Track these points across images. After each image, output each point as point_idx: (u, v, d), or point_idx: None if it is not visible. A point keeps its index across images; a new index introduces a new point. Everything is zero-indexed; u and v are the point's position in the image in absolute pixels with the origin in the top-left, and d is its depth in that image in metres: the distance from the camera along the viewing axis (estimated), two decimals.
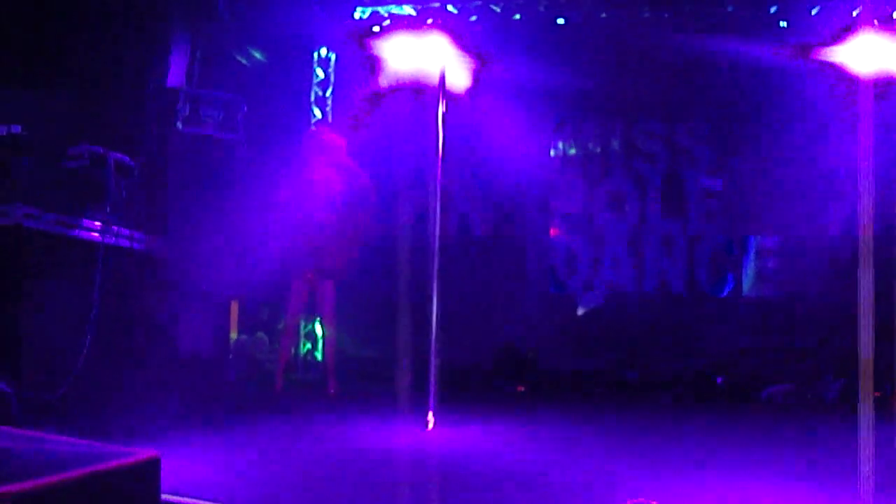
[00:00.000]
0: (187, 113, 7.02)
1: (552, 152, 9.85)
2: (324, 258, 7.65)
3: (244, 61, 8.97)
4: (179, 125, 6.99)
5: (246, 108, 7.39)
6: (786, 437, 6.22)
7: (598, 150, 9.82)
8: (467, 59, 8.36)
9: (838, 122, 8.22)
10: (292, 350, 8.38)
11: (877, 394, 7.35)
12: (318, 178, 7.65)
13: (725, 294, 9.55)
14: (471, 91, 8.54)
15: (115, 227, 5.80)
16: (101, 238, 5.65)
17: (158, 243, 6.41)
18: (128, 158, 5.88)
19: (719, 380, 8.68)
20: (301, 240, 7.61)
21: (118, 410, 5.77)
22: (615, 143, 9.82)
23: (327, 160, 7.69)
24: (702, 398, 8.33)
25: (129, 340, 6.11)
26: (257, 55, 9.11)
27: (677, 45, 8.96)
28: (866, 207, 3.44)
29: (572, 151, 9.85)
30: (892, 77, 7.06)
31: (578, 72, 9.15)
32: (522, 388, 8.69)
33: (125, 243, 5.98)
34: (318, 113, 9.63)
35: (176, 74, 7.26)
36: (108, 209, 5.68)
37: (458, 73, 8.22)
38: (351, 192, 7.65)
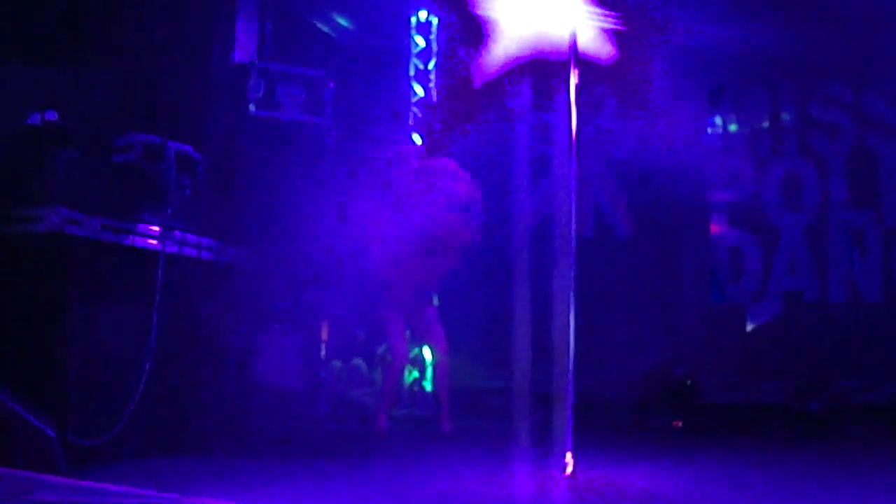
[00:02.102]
0: (261, 93, 7.02)
1: (709, 129, 9.65)
2: (423, 278, 7.61)
3: (327, 30, 8.95)
4: (252, 108, 6.97)
5: (333, 86, 7.33)
6: None
7: (766, 123, 9.61)
8: (602, 18, 8.19)
9: None
10: (398, 381, 8.32)
11: None
12: (415, 191, 7.64)
13: None
14: (606, 59, 8.37)
15: (177, 233, 5.80)
16: (160, 246, 5.63)
17: (231, 252, 6.40)
18: (191, 149, 5.89)
19: None
20: (396, 255, 7.58)
21: (183, 454, 5.75)
22: (787, 115, 9.59)
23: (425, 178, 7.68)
24: None
25: (197, 370, 6.10)
26: (343, 22, 9.08)
27: None
28: None
29: (734, 127, 9.65)
30: None
31: (738, 26, 8.96)
32: (679, 424, 8.50)
33: (190, 252, 5.97)
34: (419, 90, 9.57)
35: (245, 47, 7.23)
36: (168, 211, 5.66)
37: (591, 37, 8.05)
38: (456, 203, 7.60)
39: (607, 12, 7.67)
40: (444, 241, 7.59)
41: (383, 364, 8.16)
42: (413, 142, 8.93)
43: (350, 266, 7.89)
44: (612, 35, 8.39)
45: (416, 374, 9.44)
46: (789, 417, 8.48)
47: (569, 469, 5.62)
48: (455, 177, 7.68)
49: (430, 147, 9.26)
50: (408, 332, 8.02)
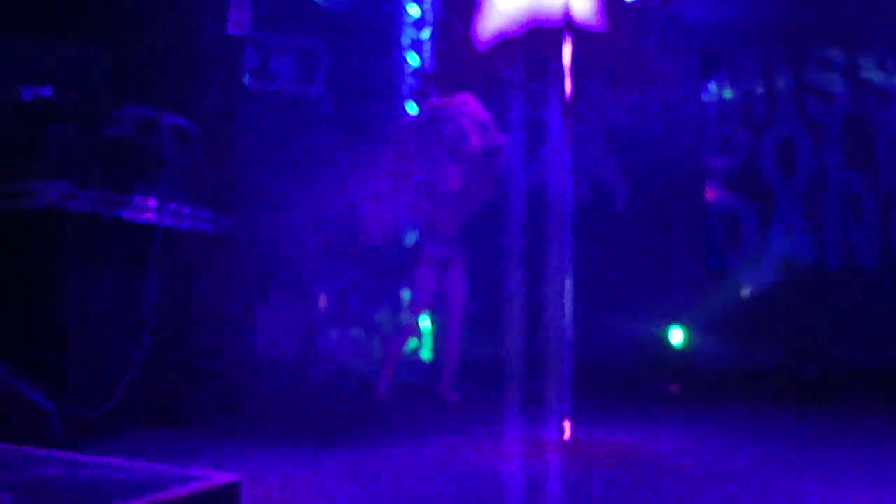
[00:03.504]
0: (255, 65, 7.00)
1: (703, 96, 9.61)
2: (453, 235, 7.51)
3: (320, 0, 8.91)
4: (246, 80, 6.95)
5: (327, 57, 7.30)
6: None
7: (761, 89, 9.53)
8: None
9: None
10: (402, 348, 8.22)
11: None
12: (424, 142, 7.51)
13: None
14: (600, 27, 8.35)
15: (172, 205, 5.79)
16: (155, 219, 5.62)
17: (227, 223, 6.39)
18: (185, 122, 5.86)
19: None
20: (423, 214, 7.48)
21: (182, 426, 5.76)
22: (782, 80, 9.50)
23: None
24: None
25: (195, 341, 6.10)
26: None
27: None
28: None
29: (728, 93, 9.59)
30: None
31: None
32: (675, 389, 8.51)
33: (186, 224, 5.97)
34: (413, 60, 9.52)
35: (238, 19, 7.19)
36: (163, 184, 5.65)
37: (585, 5, 8.04)
38: (466, 150, 7.47)
39: None
40: (459, 194, 7.48)
41: (394, 332, 8.09)
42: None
43: (348, 235, 7.86)
44: (606, 3, 8.38)
45: (415, 342, 9.43)
46: (783, 383, 8.53)
47: (566, 434, 5.65)
48: (469, 121, 7.53)
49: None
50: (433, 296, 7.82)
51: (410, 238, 8.28)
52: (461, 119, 7.42)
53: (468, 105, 7.47)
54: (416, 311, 7.72)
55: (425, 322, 9.29)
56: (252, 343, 6.92)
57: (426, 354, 9.35)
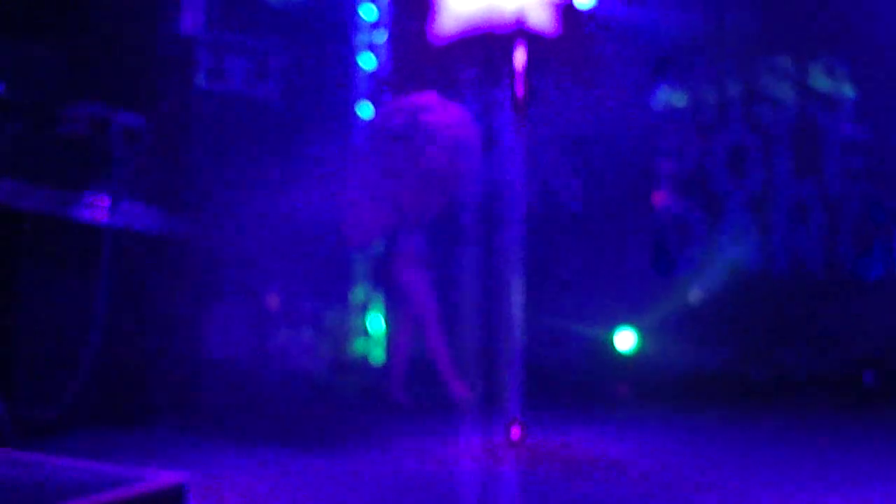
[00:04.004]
0: (209, 65, 6.96)
1: (654, 101, 9.63)
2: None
3: (275, 0, 8.87)
4: (200, 80, 6.92)
5: (282, 58, 7.29)
6: None
7: (711, 95, 9.55)
8: None
9: None
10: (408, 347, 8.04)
11: None
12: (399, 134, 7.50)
13: (876, 273, 9.27)
14: (553, 32, 8.38)
15: (124, 205, 5.76)
16: (107, 218, 5.60)
17: (179, 223, 6.37)
18: (138, 121, 5.83)
19: (868, 378, 8.46)
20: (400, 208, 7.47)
21: (133, 427, 5.75)
22: (732, 87, 9.54)
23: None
24: (846, 401, 8.15)
25: (146, 341, 6.09)
26: None
27: None
28: None
29: (679, 99, 9.63)
30: None
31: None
32: (624, 391, 8.54)
33: (138, 224, 5.94)
34: (368, 62, 9.50)
35: (192, 18, 7.17)
36: (115, 183, 5.64)
37: (539, 10, 8.06)
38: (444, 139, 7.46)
39: None
40: (436, 182, 7.47)
41: (395, 334, 7.97)
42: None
43: (305, 231, 7.84)
44: (560, 8, 8.42)
45: (364, 344, 9.40)
46: (732, 385, 8.56)
47: (516, 437, 5.67)
48: (441, 111, 7.53)
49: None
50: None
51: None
52: (433, 108, 7.48)
53: (435, 98, 7.53)
54: (410, 310, 7.68)
55: (377, 323, 9.28)
56: (203, 343, 6.89)
57: (378, 356, 9.32)
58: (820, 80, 9.42)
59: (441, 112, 7.51)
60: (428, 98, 7.65)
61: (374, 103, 9.43)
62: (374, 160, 7.65)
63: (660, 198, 9.65)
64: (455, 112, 7.56)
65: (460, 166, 7.55)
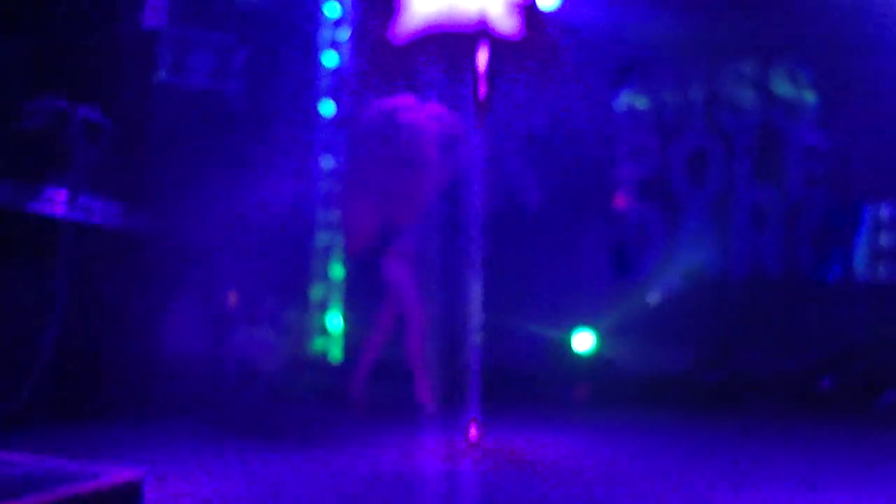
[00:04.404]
0: (171, 60, 6.94)
1: (616, 105, 9.67)
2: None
3: None
4: (162, 75, 6.90)
5: (245, 54, 7.28)
6: None
7: (674, 100, 9.63)
8: None
9: None
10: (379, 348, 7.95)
11: None
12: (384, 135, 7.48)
13: (834, 277, 9.35)
14: (516, 33, 8.40)
15: (83, 200, 5.75)
16: (66, 212, 5.58)
17: (138, 219, 6.35)
18: (100, 116, 5.81)
19: (826, 382, 8.52)
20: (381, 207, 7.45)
21: (90, 423, 5.73)
22: (694, 92, 9.62)
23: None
24: (803, 405, 8.24)
25: (102, 338, 6.07)
26: None
27: None
28: None
29: (641, 103, 9.68)
30: None
31: (648, 4, 9.07)
32: (583, 394, 8.59)
33: (97, 219, 5.93)
34: (332, 58, 9.51)
35: (154, 12, 7.14)
36: (75, 178, 5.62)
37: (502, 11, 8.08)
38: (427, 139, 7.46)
39: None
40: (425, 179, 7.46)
41: (372, 332, 7.92)
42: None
43: (266, 229, 7.83)
44: (523, 10, 8.45)
45: (323, 342, 9.40)
46: (690, 388, 8.62)
47: (474, 438, 5.69)
48: (423, 110, 7.54)
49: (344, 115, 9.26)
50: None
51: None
52: (414, 108, 7.49)
53: (421, 104, 7.54)
54: (393, 309, 7.63)
55: (336, 321, 9.29)
56: (161, 339, 6.88)
57: (336, 355, 9.33)
58: (782, 86, 9.48)
59: (423, 111, 7.52)
60: (407, 98, 7.66)
61: (336, 100, 9.45)
62: (362, 164, 7.64)
63: (620, 201, 9.69)
64: (436, 111, 7.57)
65: (445, 163, 7.55)
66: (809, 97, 9.38)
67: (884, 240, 9.29)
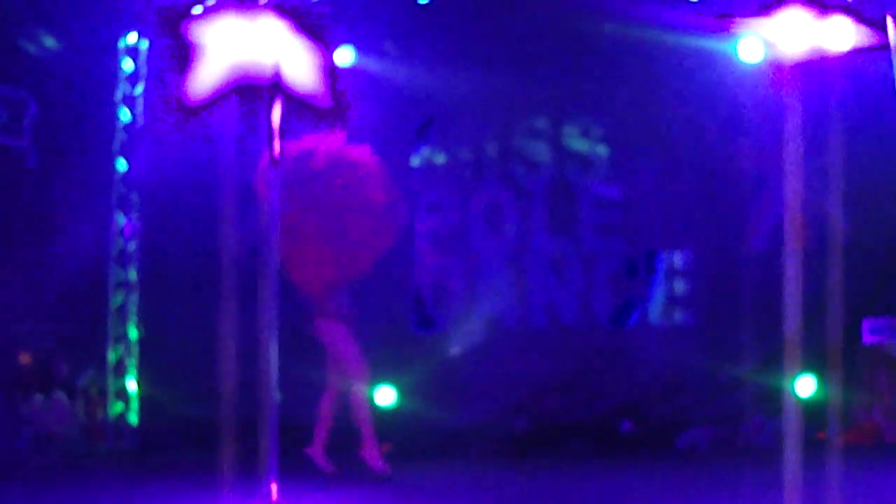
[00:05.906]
0: None
1: (415, 160, 9.71)
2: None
3: (32, 49, 8.65)
4: None
5: (35, 109, 7.14)
6: (705, 493, 6.28)
7: (471, 154, 9.74)
8: (309, 48, 8.25)
9: (759, 114, 8.41)
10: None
11: (820, 434, 7.51)
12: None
13: (629, 323, 9.57)
14: (312, 88, 8.42)
15: None
16: None
17: None
18: None
19: (625, 426, 8.79)
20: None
21: None
22: (491, 147, 9.75)
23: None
24: (605, 449, 8.49)
25: None
26: (49, 42, 8.80)
27: (564, 28, 9.12)
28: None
29: (440, 158, 9.78)
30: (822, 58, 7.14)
31: (444, 62, 9.25)
32: (385, 448, 8.53)
33: None
34: (126, 115, 9.35)
35: None
36: None
37: (296, 65, 8.09)
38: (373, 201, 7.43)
39: (317, 44, 7.75)
40: (363, 242, 7.47)
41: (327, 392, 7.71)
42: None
43: (61, 288, 7.65)
44: (320, 67, 8.46)
45: (120, 406, 9.17)
46: (494, 438, 8.76)
47: (273, 497, 5.64)
48: (373, 172, 7.52)
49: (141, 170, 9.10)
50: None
51: None
52: (364, 167, 7.47)
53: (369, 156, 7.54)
54: (357, 374, 7.49)
55: (131, 384, 9.09)
56: None
57: (133, 419, 9.11)
58: (575, 141, 9.69)
59: (353, 153, 7.55)
60: (337, 139, 7.63)
61: (126, 156, 9.25)
62: (303, 209, 7.53)
63: (419, 253, 9.71)
64: (365, 153, 7.61)
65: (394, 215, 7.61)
66: (602, 151, 9.62)
67: (678, 286, 9.57)
